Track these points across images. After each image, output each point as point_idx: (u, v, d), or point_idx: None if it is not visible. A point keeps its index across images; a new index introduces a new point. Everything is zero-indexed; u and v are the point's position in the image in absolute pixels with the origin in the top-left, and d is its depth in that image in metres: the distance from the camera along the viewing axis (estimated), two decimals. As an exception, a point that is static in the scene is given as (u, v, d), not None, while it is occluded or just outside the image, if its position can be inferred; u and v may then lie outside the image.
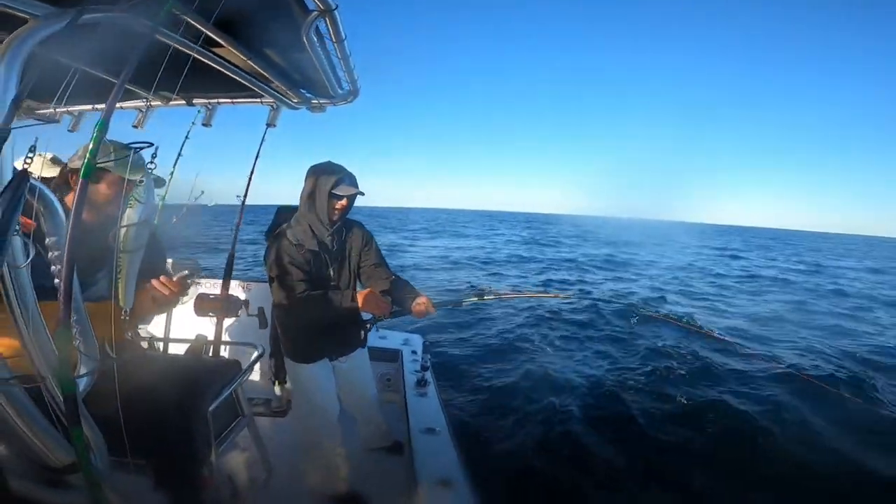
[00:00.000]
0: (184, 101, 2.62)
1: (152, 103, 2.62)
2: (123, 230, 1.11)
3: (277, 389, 2.91)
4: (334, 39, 1.71)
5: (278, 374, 2.28)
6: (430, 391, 2.72)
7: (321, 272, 2.02)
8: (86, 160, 0.78)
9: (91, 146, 0.79)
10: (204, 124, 2.73)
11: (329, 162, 2.00)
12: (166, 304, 1.46)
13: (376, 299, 1.93)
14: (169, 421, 1.22)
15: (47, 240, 1.01)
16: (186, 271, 1.55)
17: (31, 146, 1.08)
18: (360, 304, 1.91)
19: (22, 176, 0.74)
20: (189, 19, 1.44)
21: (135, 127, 2.71)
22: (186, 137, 2.06)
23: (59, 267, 1.09)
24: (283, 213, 2.07)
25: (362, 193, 1.99)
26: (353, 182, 1.96)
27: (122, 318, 1.20)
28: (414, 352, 3.34)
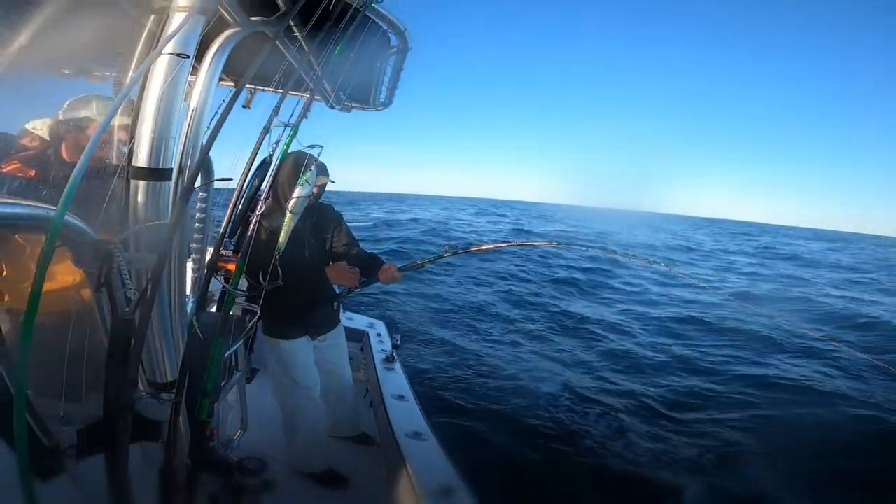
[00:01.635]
0: (232, 83, 2.91)
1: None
2: (294, 199, 1.52)
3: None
4: (396, 68, 2.15)
5: (246, 343, 2.39)
6: (397, 367, 3.04)
7: (296, 253, 2.08)
8: (285, 147, 1.18)
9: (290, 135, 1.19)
10: (244, 106, 3.04)
11: (300, 152, 2.07)
12: None
13: (344, 269, 2.09)
14: (195, 362, 1.30)
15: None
16: None
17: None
18: (329, 276, 2.07)
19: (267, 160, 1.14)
20: (293, 24, 1.76)
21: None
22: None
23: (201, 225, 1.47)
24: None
25: (333, 182, 2.13)
26: (323, 171, 2.06)
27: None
28: (379, 335, 3.66)
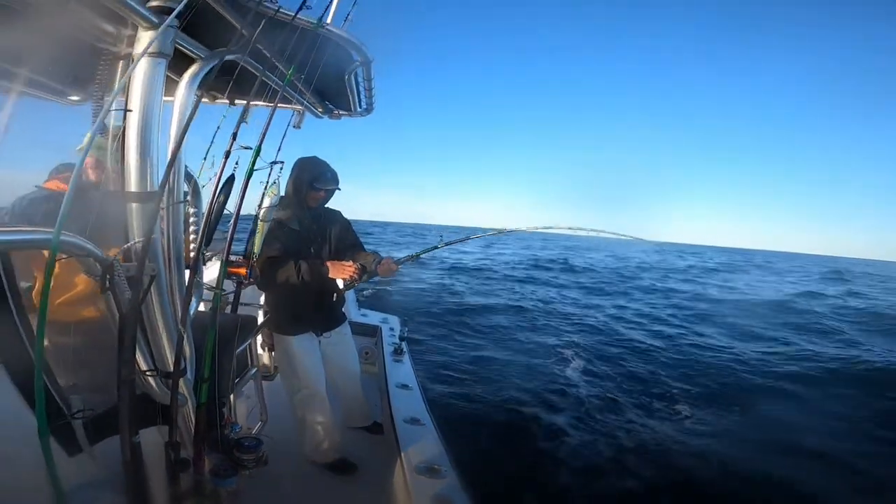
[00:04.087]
0: (227, 101, 3.18)
1: (202, 100, 3.19)
2: (264, 209, 1.75)
3: (266, 356, 3.52)
4: (365, 78, 2.33)
5: (268, 342, 2.55)
6: (405, 359, 3.27)
7: (302, 250, 2.24)
8: (250, 166, 1.40)
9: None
10: (244, 122, 3.31)
11: (315, 157, 2.29)
12: None
13: (341, 264, 2.18)
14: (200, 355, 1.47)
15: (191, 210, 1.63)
16: None
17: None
18: (328, 270, 2.17)
19: (230, 178, 1.36)
20: (263, 49, 1.99)
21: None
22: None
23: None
24: None
25: (339, 189, 2.29)
26: (334, 178, 2.26)
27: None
28: (392, 329, 3.91)
